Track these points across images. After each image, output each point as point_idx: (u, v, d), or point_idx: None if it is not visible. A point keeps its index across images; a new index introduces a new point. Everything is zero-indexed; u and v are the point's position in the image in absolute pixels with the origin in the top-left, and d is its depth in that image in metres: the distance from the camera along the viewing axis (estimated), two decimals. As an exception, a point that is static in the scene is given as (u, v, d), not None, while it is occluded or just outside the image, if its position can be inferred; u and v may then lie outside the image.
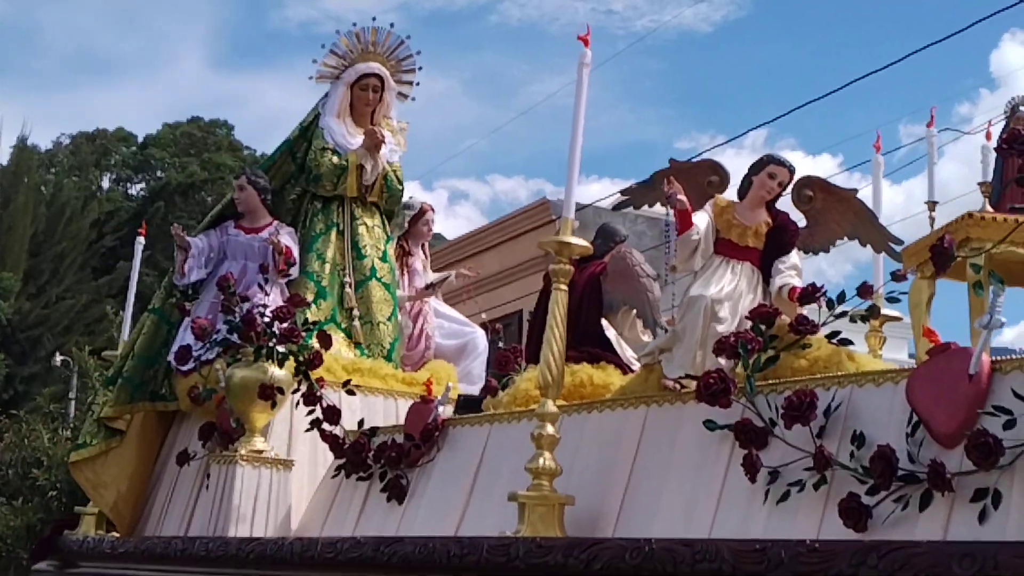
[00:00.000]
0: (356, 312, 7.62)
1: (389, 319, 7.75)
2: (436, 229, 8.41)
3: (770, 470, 4.11)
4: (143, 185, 40.69)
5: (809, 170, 5.13)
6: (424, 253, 8.55)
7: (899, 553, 3.17)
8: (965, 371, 3.62)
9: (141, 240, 8.75)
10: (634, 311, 6.05)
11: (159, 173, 39.72)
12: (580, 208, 21.29)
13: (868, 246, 5.11)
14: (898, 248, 5.06)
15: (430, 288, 8.12)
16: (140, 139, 41.37)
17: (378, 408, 7.05)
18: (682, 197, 4.89)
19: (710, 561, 3.64)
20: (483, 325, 8.01)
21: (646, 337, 6.11)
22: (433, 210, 8.44)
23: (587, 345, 5.94)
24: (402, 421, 6.80)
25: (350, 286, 7.68)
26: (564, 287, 4.78)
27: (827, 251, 5.18)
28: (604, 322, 6.16)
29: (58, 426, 18.83)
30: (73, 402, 21.61)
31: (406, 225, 8.33)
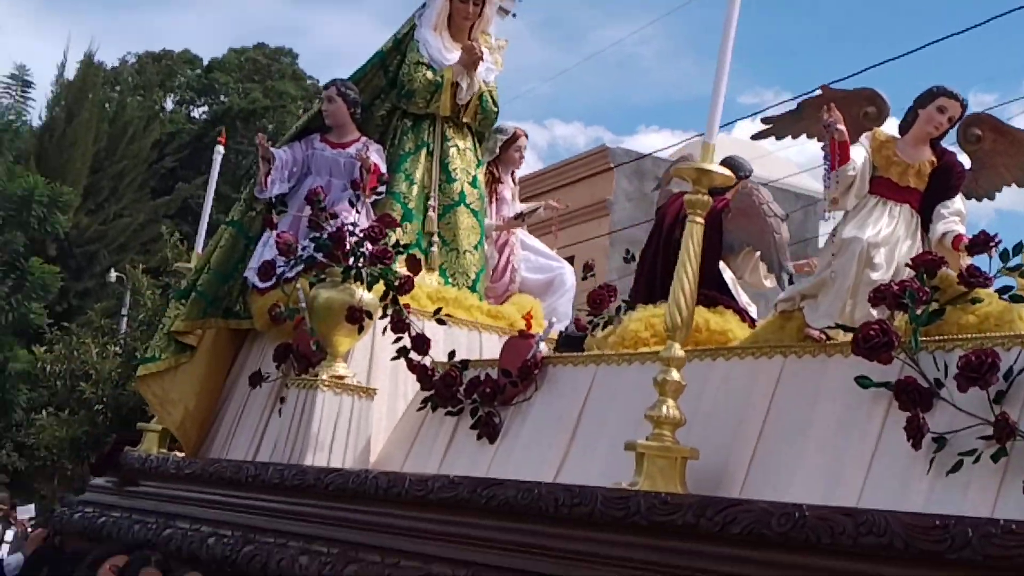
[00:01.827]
0: (436, 238, 7.20)
1: (476, 248, 7.33)
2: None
3: (936, 436, 3.65)
4: (205, 108, 40.47)
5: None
6: (513, 181, 8.10)
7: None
8: None
9: (220, 149, 8.36)
10: (758, 253, 5.56)
11: (222, 97, 39.46)
12: (639, 157, 20.89)
13: (1040, 196, 4.60)
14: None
15: (519, 218, 7.67)
16: (205, 62, 41.09)
17: (462, 341, 6.64)
18: (842, 127, 4.39)
19: (877, 535, 3.17)
20: (579, 262, 7.54)
21: (768, 283, 5.64)
22: (527, 136, 7.98)
23: (703, 287, 5.43)
24: (486, 355, 6.43)
25: (434, 209, 7.25)
26: (701, 220, 4.33)
27: (992, 198, 4.67)
28: (721, 264, 5.69)
29: (108, 342, 18.76)
30: (125, 319, 21.54)
31: (497, 150, 7.88)
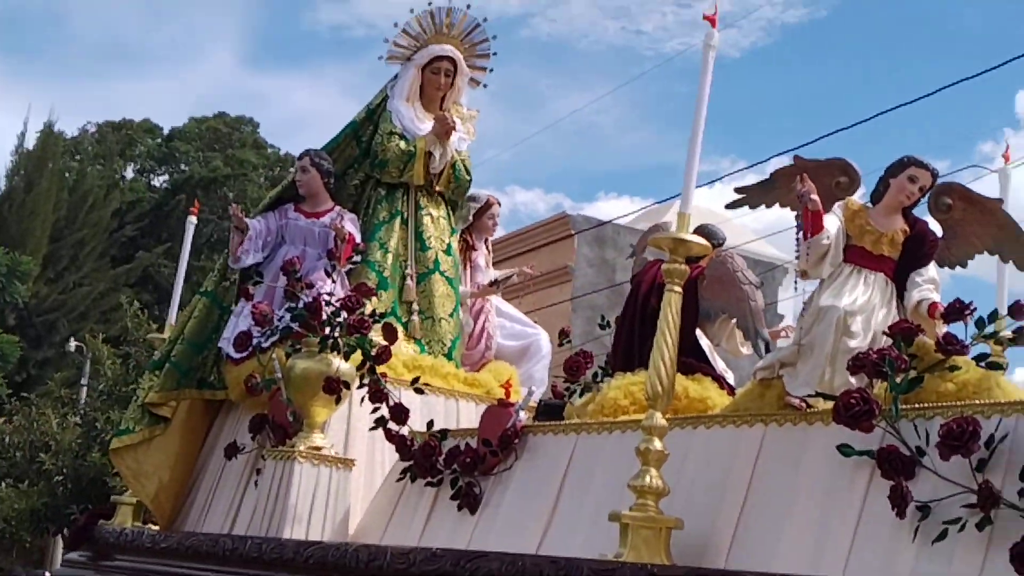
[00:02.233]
0: (416, 306, 7.22)
1: (451, 315, 7.35)
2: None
3: (919, 505, 3.68)
4: (166, 177, 40.45)
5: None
6: (487, 248, 8.15)
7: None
8: None
9: (193, 219, 8.34)
10: (733, 321, 5.62)
11: (183, 166, 39.48)
12: (599, 224, 21.10)
13: (1011, 263, 4.68)
14: (1043, 267, 4.61)
15: (494, 285, 7.71)
16: (166, 131, 41.11)
17: (439, 409, 6.63)
18: (815, 197, 4.47)
19: (867, 606, 3.21)
20: (543, 328, 7.56)
21: (745, 350, 5.69)
22: (499, 204, 8.04)
23: (680, 355, 5.48)
24: (463, 423, 6.42)
25: (412, 278, 7.27)
26: (679, 289, 4.36)
27: (964, 266, 4.74)
28: (698, 331, 5.73)
29: (68, 412, 18.54)
30: (84, 389, 21.33)
31: (471, 218, 7.92)
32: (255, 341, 6.24)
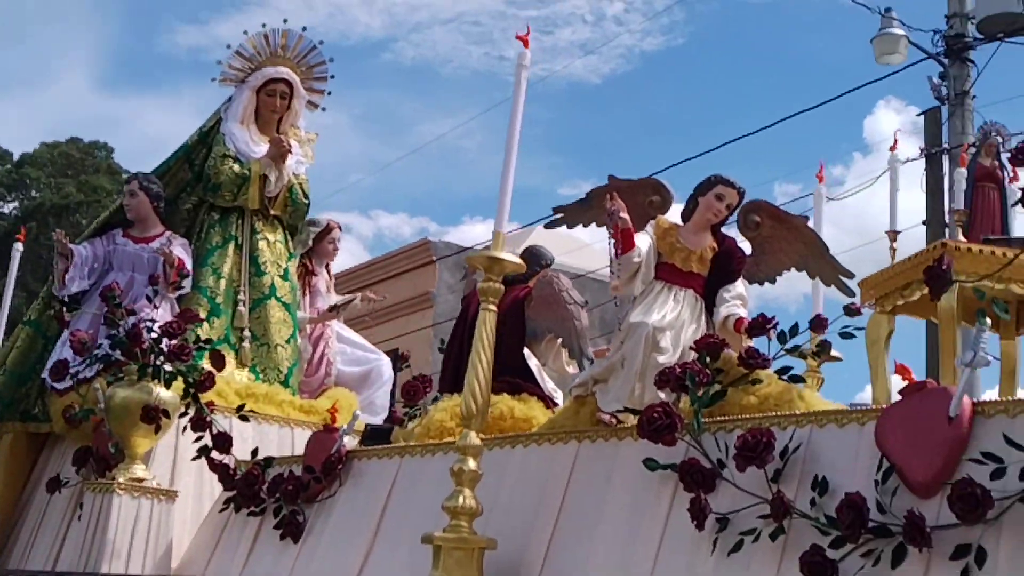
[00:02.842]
0: (247, 332, 7.07)
1: (288, 342, 7.22)
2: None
3: (719, 516, 3.71)
4: (16, 204, 39.02)
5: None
6: (328, 273, 8.04)
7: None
8: (944, 413, 3.27)
9: (19, 247, 8.04)
10: (559, 340, 5.63)
11: (34, 193, 38.15)
12: (462, 250, 21.24)
13: (817, 278, 4.78)
14: (849, 281, 4.72)
15: (334, 310, 7.60)
16: (16, 157, 39.72)
17: (272, 437, 6.51)
18: (624, 215, 4.50)
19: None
20: (395, 353, 7.48)
21: (571, 368, 5.71)
22: (340, 228, 7.94)
23: (507, 375, 5.50)
24: (299, 452, 6.30)
25: (244, 304, 7.12)
26: (494, 307, 4.35)
27: (773, 282, 4.83)
28: (526, 351, 5.73)
29: None
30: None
31: (310, 243, 7.80)
32: (74, 370, 6.02)
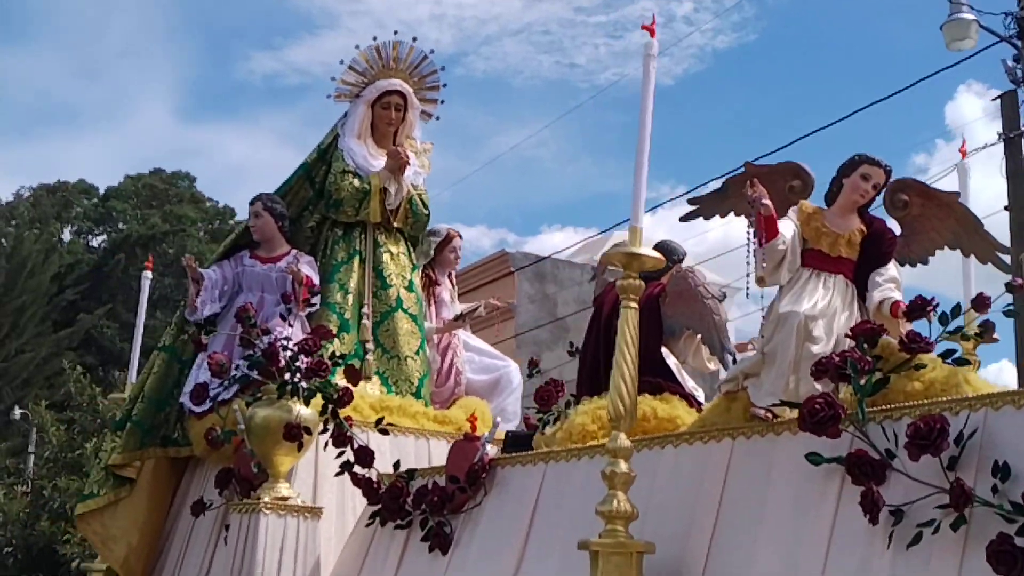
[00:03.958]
0: (371, 345, 7.06)
1: (417, 353, 7.20)
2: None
3: (892, 509, 3.54)
4: (104, 237, 39.93)
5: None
6: (451, 282, 8.01)
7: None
8: None
9: (148, 274, 8.17)
10: (698, 336, 5.48)
11: (120, 225, 38.99)
12: (537, 260, 21.20)
13: (971, 256, 4.56)
14: (1007, 259, 4.50)
15: (460, 319, 7.57)
16: (101, 191, 40.52)
17: (409, 449, 6.48)
18: (767, 202, 4.34)
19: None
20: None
21: (712, 365, 5.55)
22: (461, 236, 7.90)
23: (647, 374, 5.34)
24: (434, 463, 6.26)
25: (368, 317, 7.12)
26: (635, 305, 4.24)
27: (925, 263, 4.62)
28: (664, 349, 5.60)
29: (14, 482, 18.23)
30: (32, 457, 20.99)
31: (432, 252, 7.79)
32: (213, 392, 6.06)
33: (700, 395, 5.67)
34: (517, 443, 5.68)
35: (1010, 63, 12.72)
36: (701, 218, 4.89)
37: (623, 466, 4.07)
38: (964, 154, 5.34)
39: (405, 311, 7.23)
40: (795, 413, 3.97)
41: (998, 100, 12.98)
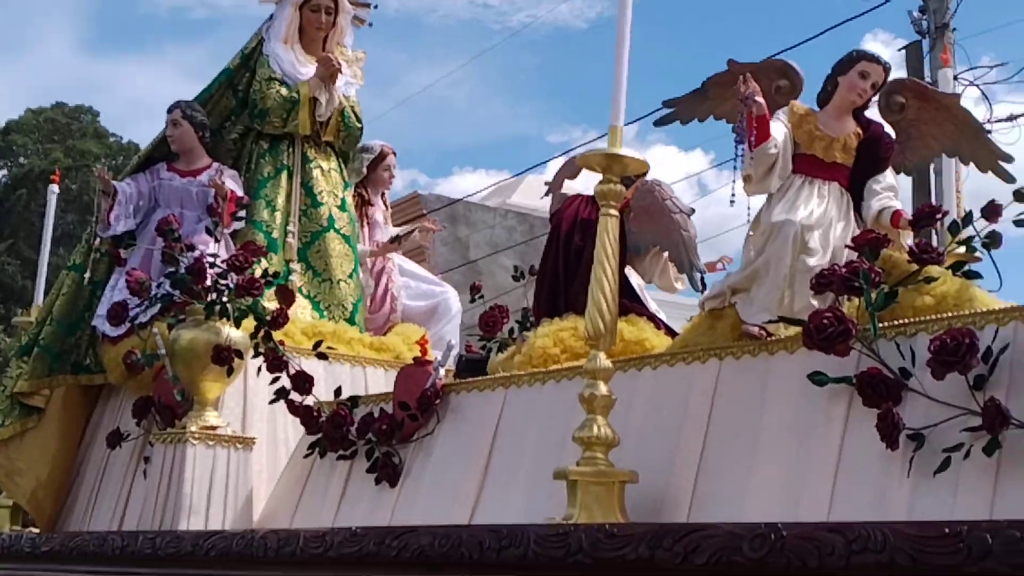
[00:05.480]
0: (295, 266, 6.57)
1: (351, 276, 6.73)
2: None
3: (911, 433, 3.22)
4: (5, 172, 38.49)
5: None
6: (385, 203, 7.55)
7: None
8: None
9: (54, 188, 7.56)
10: (665, 254, 5.12)
11: (21, 160, 37.62)
12: (452, 202, 20.90)
13: (971, 164, 4.25)
14: (1009, 165, 4.19)
15: (395, 242, 7.11)
16: (2, 124, 39.11)
17: (344, 378, 6.02)
18: (760, 100, 3.96)
19: (875, 551, 2.69)
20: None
21: (679, 285, 5.20)
22: (395, 153, 7.42)
23: (610, 294, 4.99)
24: (372, 391, 5.85)
25: (294, 236, 6.61)
26: (615, 212, 3.84)
27: (922, 170, 4.30)
28: (628, 268, 5.23)
29: None
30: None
31: (364, 170, 7.29)
32: (132, 313, 5.54)
33: (664, 317, 5.32)
34: (470, 368, 5.30)
35: (916, 14, 12.87)
36: (678, 121, 4.49)
37: (603, 388, 3.69)
38: (947, 62, 5.03)
39: (337, 231, 6.75)
40: (792, 330, 3.64)
41: (904, 51, 13.04)
